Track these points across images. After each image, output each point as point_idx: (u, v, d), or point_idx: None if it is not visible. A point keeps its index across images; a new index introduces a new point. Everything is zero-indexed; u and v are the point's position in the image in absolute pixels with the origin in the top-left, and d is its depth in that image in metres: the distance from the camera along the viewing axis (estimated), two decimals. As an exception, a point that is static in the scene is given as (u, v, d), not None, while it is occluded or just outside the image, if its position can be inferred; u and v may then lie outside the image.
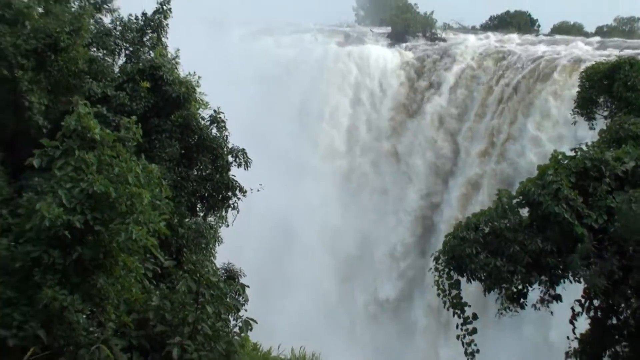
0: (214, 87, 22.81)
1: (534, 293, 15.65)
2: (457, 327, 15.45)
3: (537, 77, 48.41)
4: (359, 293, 57.64)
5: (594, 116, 22.06)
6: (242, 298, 19.76)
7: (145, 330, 13.02)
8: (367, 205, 58.97)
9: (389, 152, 59.47)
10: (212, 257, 21.88)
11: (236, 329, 15.02)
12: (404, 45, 64.21)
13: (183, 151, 21.71)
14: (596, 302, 15.22)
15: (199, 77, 22.56)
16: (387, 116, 59.65)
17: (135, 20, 24.56)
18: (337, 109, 61.22)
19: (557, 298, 15.32)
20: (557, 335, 34.59)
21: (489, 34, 65.06)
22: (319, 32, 68.29)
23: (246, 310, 18.34)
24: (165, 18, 24.65)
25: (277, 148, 48.91)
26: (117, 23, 24.34)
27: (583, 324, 15.62)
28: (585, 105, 22.09)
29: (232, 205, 22.67)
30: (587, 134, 24.98)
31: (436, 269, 15.66)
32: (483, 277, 14.82)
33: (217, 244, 22.57)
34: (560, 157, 15.52)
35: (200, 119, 22.27)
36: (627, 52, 39.06)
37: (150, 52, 23.96)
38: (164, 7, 24.52)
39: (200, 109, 22.39)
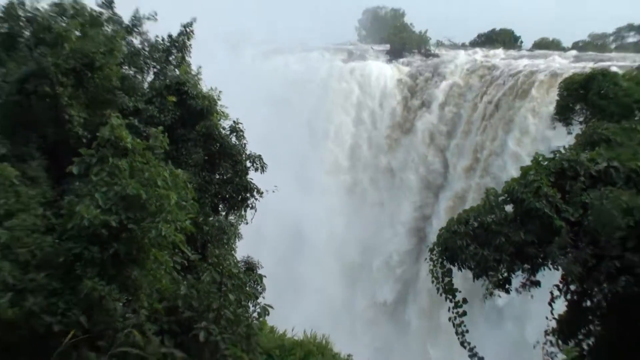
0: (230, 106, 22.82)
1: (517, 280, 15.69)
2: (448, 310, 15.51)
3: (516, 94, 47.82)
4: (360, 298, 57.63)
5: (571, 122, 22.08)
6: (260, 287, 19.85)
7: (175, 316, 13.06)
8: (367, 217, 58.94)
9: (385, 168, 59.44)
10: (233, 251, 21.99)
11: (255, 314, 15.09)
12: (401, 60, 64.32)
13: (206, 157, 21.78)
14: (572, 287, 15.23)
15: (220, 92, 22.60)
16: (384, 134, 59.59)
17: (161, 42, 24.75)
18: (340, 127, 61.21)
19: (537, 284, 15.37)
20: (532, 332, 34.67)
21: (477, 49, 65.01)
22: (326, 50, 68.33)
23: (264, 298, 18.43)
24: (189, 39, 24.84)
25: (288, 166, 48.85)
26: (146, 44, 24.53)
27: (560, 306, 15.65)
28: (563, 112, 22.13)
29: (250, 205, 22.73)
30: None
31: (431, 259, 15.72)
32: (472, 266, 14.87)
33: (237, 240, 22.65)
34: (540, 158, 15.58)
35: (221, 129, 22.36)
36: (601, 65, 38.97)
37: (176, 69, 24.10)
38: (187, 30, 24.73)
39: (221, 120, 22.44)
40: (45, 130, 19.18)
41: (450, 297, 15.35)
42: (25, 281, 11.29)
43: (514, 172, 41.66)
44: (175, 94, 21.54)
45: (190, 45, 25.03)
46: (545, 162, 15.38)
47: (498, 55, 59.79)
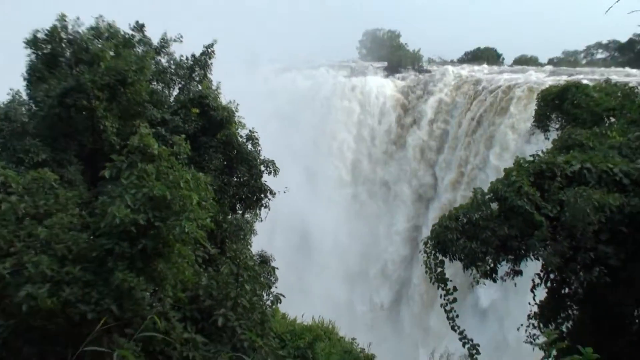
0: (244, 119, 22.71)
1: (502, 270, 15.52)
2: (440, 297, 15.33)
3: (495, 111, 47.11)
4: (359, 304, 57.34)
5: (548, 129, 21.95)
6: (273, 278, 19.73)
7: (197, 304, 12.95)
8: (366, 227, 58.71)
9: (382, 181, 59.22)
10: (248, 246, 21.94)
11: (268, 302, 15.02)
12: (397, 75, 64.44)
13: (225, 162, 21.72)
14: (552, 276, 15.09)
15: (237, 104, 22.52)
16: (381, 149, 59.39)
17: (186, 60, 24.74)
18: (343, 144, 60.96)
19: (520, 273, 15.20)
20: (512, 329, 34.44)
21: (464, 65, 65.08)
22: (330, 67, 68.51)
23: (276, 287, 18.27)
24: (210, 58, 24.82)
25: (295, 180, 48.96)
26: (172, 63, 24.53)
27: (541, 293, 15.50)
28: (541, 120, 21.97)
29: (264, 205, 22.66)
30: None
31: (425, 252, 15.53)
32: (462, 257, 14.72)
33: (252, 236, 22.61)
34: (521, 161, 15.45)
35: (238, 137, 22.25)
36: (574, 78, 38.73)
37: (199, 85, 24.09)
38: (209, 50, 24.74)
39: (239, 129, 22.34)
40: (82, 139, 19.17)
41: (442, 285, 15.17)
42: (62, 274, 11.13)
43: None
44: (198, 106, 21.49)
45: (211, 63, 24.98)
46: (526, 165, 15.24)
47: (482, 70, 59.71)
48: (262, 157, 22.64)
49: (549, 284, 15.32)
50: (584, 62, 77.20)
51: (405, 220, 55.94)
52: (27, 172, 13.62)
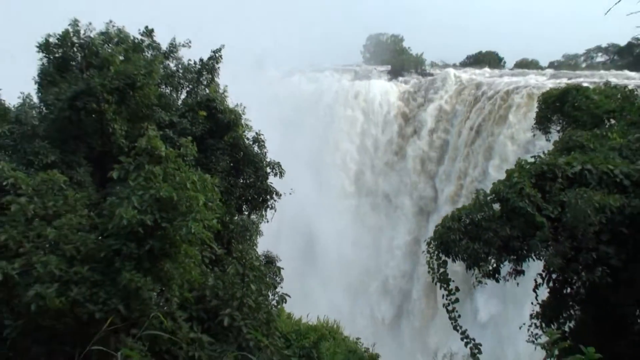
0: (250, 122, 22.63)
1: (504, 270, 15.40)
2: (442, 297, 15.21)
3: (494, 119, 46.39)
4: (360, 317, 56.74)
5: (549, 130, 21.86)
6: (278, 277, 19.63)
7: (203, 304, 12.86)
8: (369, 240, 58.10)
9: (383, 194, 58.59)
10: (254, 246, 21.88)
11: (274, 302, 14.93)
12: (400, 79, 64.24)
13: (232, 164, 21.63)
14: (554, 276, 14.98)
15: (244, 107, 22.47)
16: (383, 160, 58.78)
17: (194, 65, 24.76)
18: (346, 155, 60.35)
19: (522, 273, 15.09)
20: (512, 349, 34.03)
21: (467, 69, 64.95)
22: (335, 71, 68.36)
23: (282, 287, 18.17)
24: (217, 63, 24.83)
25: (300, 183, 48.75)
26: (180, 67, 24.54)
27: (543, 293, 15.38)
28: (542, 122, 21.88)
29: (270, 206, 22.59)
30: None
31: (428, 252, 15.41)
32: (465, 258, 14.61)
33: (258, 236, 22.54)
34: (523, 163, 15.35)
35: (245, 139, 22.18)
36: (574, 81, 38.48)
37: (206, 88, 24.05)
38: (216, 54, 24.72)
39: (245, 132, 22.27)
40: (91, 141, 19.13)
41: (445, 285, 15.04)
42: (71, 274, 11.04)
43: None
44: (205, 109, 21.43)
45: (218, 67, 24.96)
46: (528, 166, 15.13)
47: (484, 74, 59.38)
48: (268, 159, 22.55)
49: (551, 284, 15.20)
50: (584, 65, 77.05)
51: (407, 233, 55.16)
52: (37, 174, 13.53)
